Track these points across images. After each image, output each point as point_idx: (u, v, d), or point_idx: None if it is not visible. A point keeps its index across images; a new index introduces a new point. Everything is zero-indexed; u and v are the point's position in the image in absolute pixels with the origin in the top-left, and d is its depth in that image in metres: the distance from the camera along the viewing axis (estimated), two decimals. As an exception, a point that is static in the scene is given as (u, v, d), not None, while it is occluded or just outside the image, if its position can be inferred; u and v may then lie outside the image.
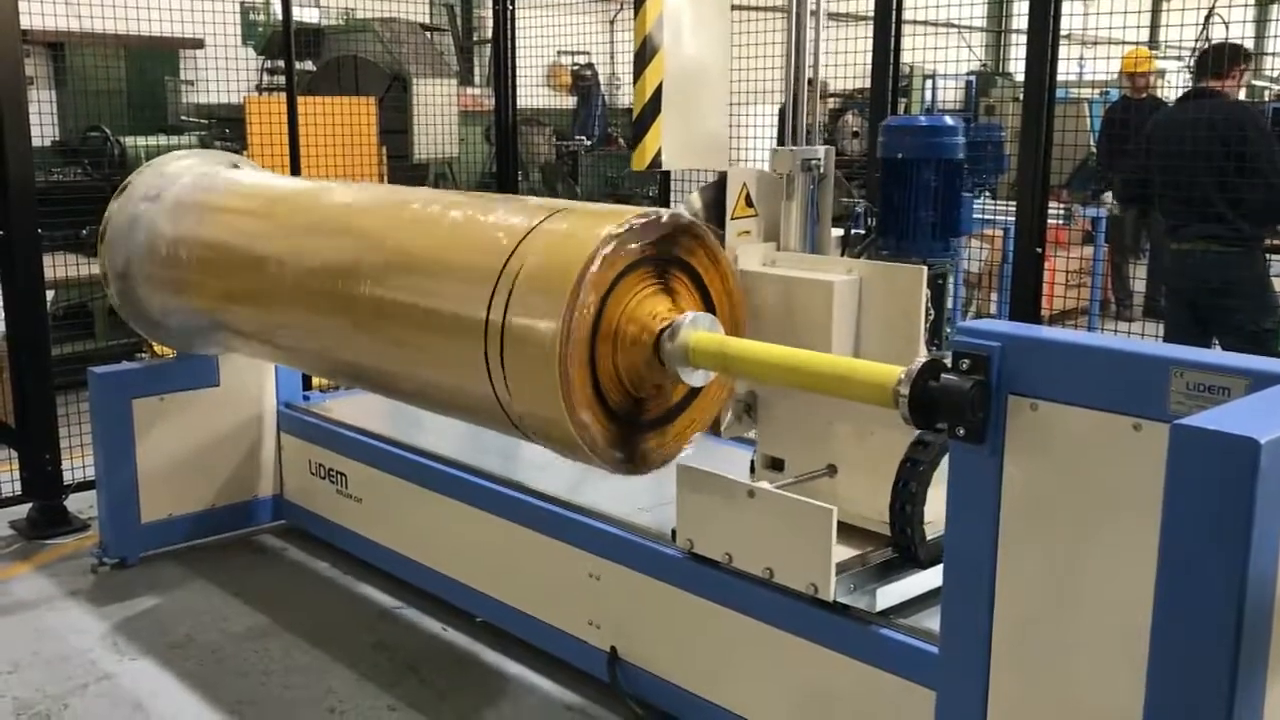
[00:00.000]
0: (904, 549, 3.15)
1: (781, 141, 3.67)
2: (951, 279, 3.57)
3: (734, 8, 3.92)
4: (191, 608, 4.55)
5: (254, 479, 5.21)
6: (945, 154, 3.37)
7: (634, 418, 3.19)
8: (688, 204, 3.63)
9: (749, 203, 3.53)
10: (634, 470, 3.25)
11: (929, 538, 3.13)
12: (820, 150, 3.54)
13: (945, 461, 3.04)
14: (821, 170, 3.53)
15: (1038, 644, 2.43)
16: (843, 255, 3.56)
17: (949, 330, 3.44)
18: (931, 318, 3.31)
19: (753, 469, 3.64)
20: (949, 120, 3.47)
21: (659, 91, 3.65)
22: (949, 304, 3.52)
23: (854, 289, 3.27)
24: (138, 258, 4.54)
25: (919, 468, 3.07)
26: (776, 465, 3.51)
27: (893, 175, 3.39)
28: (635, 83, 3.74)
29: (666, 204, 5.99)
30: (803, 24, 3.60)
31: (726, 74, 3.93)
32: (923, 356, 2.60)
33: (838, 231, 3.63)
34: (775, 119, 6.87)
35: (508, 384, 3.11)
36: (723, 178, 3.56)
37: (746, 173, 3.56)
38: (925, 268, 3.19)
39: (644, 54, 3.66)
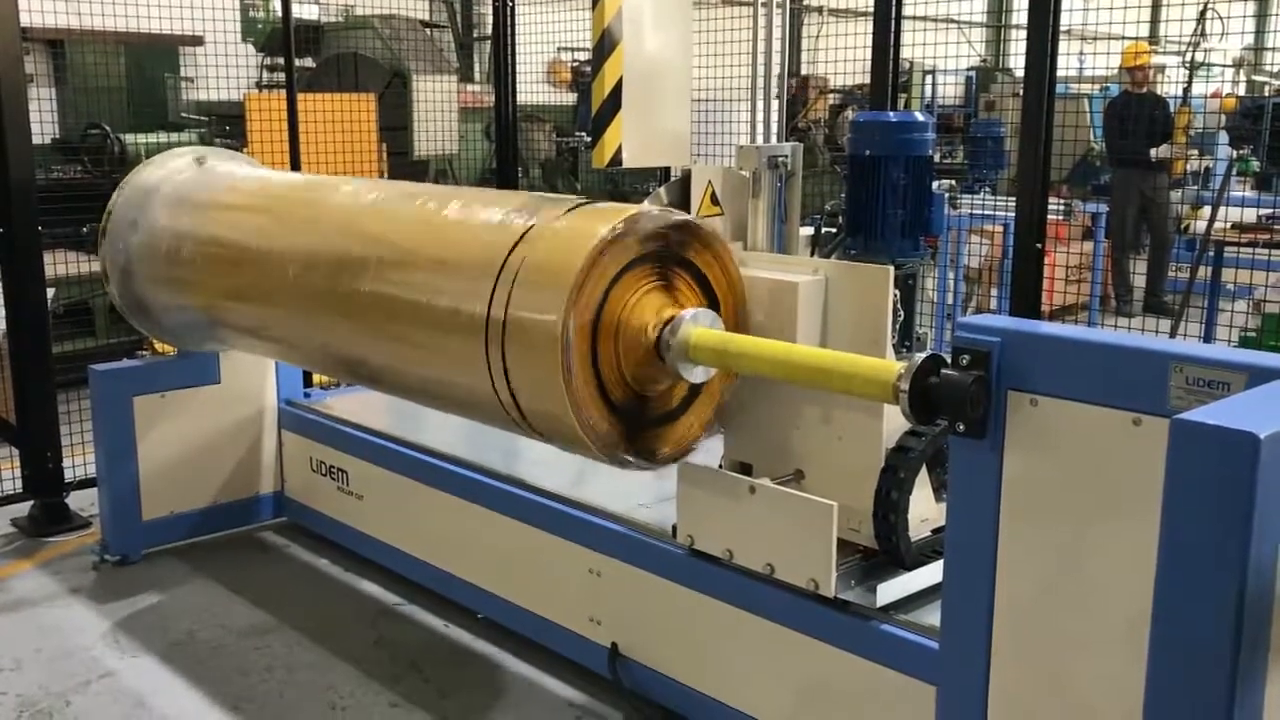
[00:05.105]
0: (888, 553, 3.14)
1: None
2: (926, 279, 3.52)
3: (729, 2, 3.89)
4: (193, 605, 4.55)
5: (255, 476, 5.22)
6: (914, 151, 3.29)
7: (638, 414, 3.19)
8: (653, 200, 3.59)
9: (714, 201, 3.48)
10: (638, 466, 3.25)
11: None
12: (787, 147, 3.48)
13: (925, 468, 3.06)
14: (789, 168, 3.47)
15: (1038, 638, 2.44)
16: (812, 255, 3.51)
17: (921, 329, 3.40)
18: (900, 318, 3.26)
19: None
20: (918, 116, 3.40)
21: (619, 87, 3.58)
22: (920, 303, 3.47)
23: (819, 289, 3.22)
24: (138, 255, 4.54)
25: (900, 474, 3.05)
26: (744, 470, 3.44)
27: (861, 173, 3.32)
28: (593, 77, 3.66)
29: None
30: (770, 18, 3.56)
31: (689, 69, 3.84)
32: (891, 359, 2.57)
33: (807, 230, 3.59)
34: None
35: (509, 379, 3.11)
36: (687, 175, 3.53)
37: (711, 170, 3.50)
38: (892, 268, 3.14)
39: (603, 47, 3.57)
